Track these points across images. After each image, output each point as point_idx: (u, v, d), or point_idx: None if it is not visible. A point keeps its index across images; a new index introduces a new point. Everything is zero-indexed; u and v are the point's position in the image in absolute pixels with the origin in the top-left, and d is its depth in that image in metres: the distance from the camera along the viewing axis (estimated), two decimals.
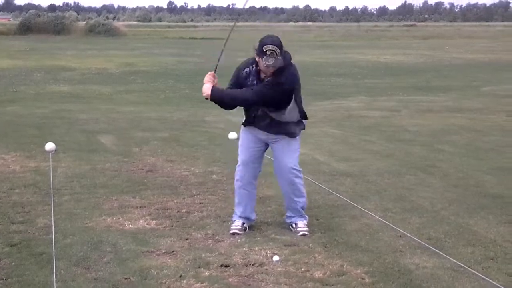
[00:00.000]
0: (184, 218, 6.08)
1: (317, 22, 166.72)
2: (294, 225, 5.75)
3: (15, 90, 18.57)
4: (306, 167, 8.25)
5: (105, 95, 17.86)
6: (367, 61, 32.35)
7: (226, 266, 4.85)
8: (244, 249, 5.23)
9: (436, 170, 8.28)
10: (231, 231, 5.62)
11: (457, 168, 8.42)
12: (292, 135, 5.75)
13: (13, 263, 4.83)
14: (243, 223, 5.72)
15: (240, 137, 5.90)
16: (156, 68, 26.87)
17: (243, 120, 5.81)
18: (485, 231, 5.78)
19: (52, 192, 6.71)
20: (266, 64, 5.29)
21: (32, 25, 63.81)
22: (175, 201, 6.67)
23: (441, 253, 5.12)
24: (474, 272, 4.72)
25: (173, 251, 5.16)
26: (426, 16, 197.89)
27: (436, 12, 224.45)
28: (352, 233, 5.71)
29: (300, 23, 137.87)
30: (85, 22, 76.60)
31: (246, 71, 5.56)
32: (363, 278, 4.67)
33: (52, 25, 63.74)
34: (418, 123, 12.44)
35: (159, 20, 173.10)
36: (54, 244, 5.11)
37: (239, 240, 5.44)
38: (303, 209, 5.82)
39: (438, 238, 5.58)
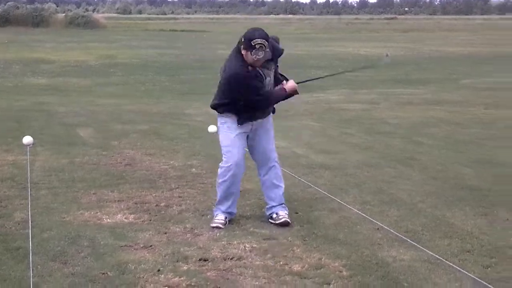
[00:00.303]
0: (163, 212, 6.06)
1: (298, 14, 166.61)
2: (275, 215, 5.75)
3: None
4: (285, 160, 8.27)
5: (84, 88, 17.74)
6: (348, 54, 32.42)
7: (205, 260, 4.85)
8: (223, 243, 5.22)
9: (415, 163, 8.32)
10: (214, 225, 5.61)
11: (436, 160, 8.47)
12: (272, 111, 5.96)
13: None
14: (226, 217, 5.71)
15: (228, 137, 5.74)
16: (136, 61, 26.72)
17: (237, 119, 5.71)
18: (462, 223, 5.82)
19: (29, 186, 6.66)
20: (257, 57, 5.37)
21: (11, 17, 63.06)
22: (154, 194, 6.65)
23: (418, 245, 5.14)
24: (451, 264, 4.76)
25: (151, 245, 5.14)
26: (406, 9, 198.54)
27: (416, 5, 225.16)
28: (330, 226, 5.72)
29: (281, 16, 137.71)
30: (64, 14, 75.89)
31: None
32: (341, 271, 4.69)
33: (31, 17, 63.05)
34: (397, 116, 12.50)
35: (139, 12, 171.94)
36: (31, 238, 5.07)
37: (217, 234, 5.43)
38: (282, 194, 5.92)
39: (416, 230, 5.61)
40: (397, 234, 5.42)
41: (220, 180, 5.75)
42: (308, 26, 76.08)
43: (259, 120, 5.79)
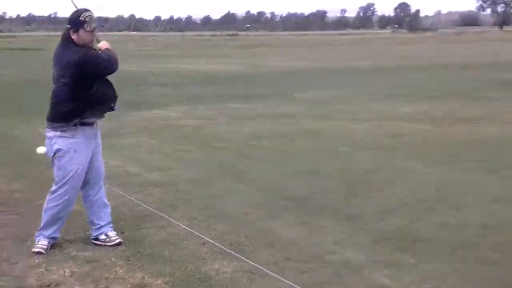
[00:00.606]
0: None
1: (142, 31, 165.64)
2: (104, 236, 5.64)
3: None
4: (116, 179, 8.20)
5: None
6: (189, 70, 32.59)
7: None
8: (41, 269, 5.05)
9: (244, 176, 8.50)
10: (36, 250, 5.39)
11: (263, 173, 8.68)
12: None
13: None
14: (49, 242, 5.50)
15: (72, 160, 5.42)
16: None
17: (79, 119, 5.40)
18: (284, 232, 6.03)
19: None
20: (91, 27, 5.28)
21: None
22: None
23: (241, 257, 5.27)
24: (269, 272, 4.91)
25: None
26: (248, 25, 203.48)
27: (258, 21, 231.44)
28: (157, 244, 5.71)
29: (124, 33, 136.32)
30: None
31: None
32: None
33: None
34: (232, 130, 12.70)
35: None
36: None
37: (36, 261, 5.25)
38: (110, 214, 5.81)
39: (240, 242, 5.74)
40: (222, 247, 5.52)
41: (51, 205, 5.47)
42: (151, 43, 75.85)
43: (98, 126, 5.65)
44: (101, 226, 5.69)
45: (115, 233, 5.73)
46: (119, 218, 6.44)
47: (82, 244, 5.69)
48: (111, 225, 5.77)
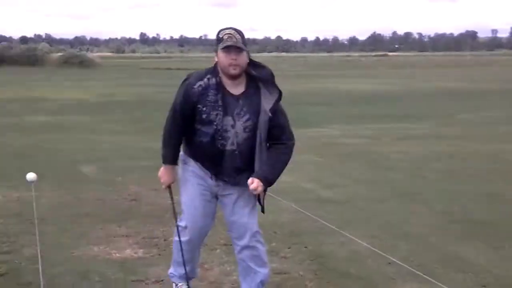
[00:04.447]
0: (171, 246, 5.99)
1: (290, 52, 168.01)
2: None
3: None
4: (292, 195, 8.28)
5: (84, 125, 17.71)
6: (343, 90, 32.60)
7: None
8: (234, 277, 5.17)
9: (420, 198, 8.31)
10: None
11: (441, 195, 8.46)
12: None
13: None
14: (187, 285, 4.72)
15: (186, 188, 4.50)
16: (136, 98, 26.81)
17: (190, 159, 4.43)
18: (474, 257, 5.79)
19: (36, 221, 6.59)
20: (225, 45, 4.03)
21: (5, 57, 63.49)
22: (162, 229, 6.60)
23: (432, 280, 5.10)
24: None
25: (162, 280, 5.09)
26: (396, 46, 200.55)
27: (405, 42, 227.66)
28: (341, 260, 5.69)
29: (274, 54, 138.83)
30: (58, 53, 76.37)
31: (201, 86, 4.14)
32: None
33: (25, 57, 63.50)
34: (398, 150, 12.51)
35: (133, 51, 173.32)
36: (42, 274, 5.00)
37: (228, 268, 5.38)
38: (262, 284, 4.47)
39: (428, 265, 5.57)
40: (410, 268, 5.38)
41: (175, 239, 4.67)
42: (301, 63, 76.69)
43: (226, 184, 4.34)
44: None
45: None
46: (301, 233, 6.51)
47: (269, 256, 5.72)
48: None
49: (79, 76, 44.92)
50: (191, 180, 4.40)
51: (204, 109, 4.12)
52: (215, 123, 4.12)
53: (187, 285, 4.67)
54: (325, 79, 44.18)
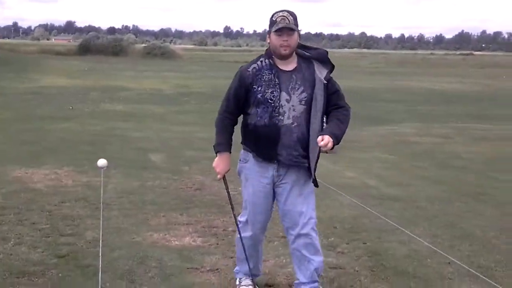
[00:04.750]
0: (230, 236, 6.06)
1: (372, 49, 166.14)
2: None
3: (71, 107, 19.00)
4: (355, 190, 8.23)
5: (159, 115, 18.10)
6: (422, 88, 32.02)
7: (270, 286, 4.82)
8: (289, 269, 5.18)
9: (488, 198, 8.09)
10: None
11: (510, 197, 8.21)
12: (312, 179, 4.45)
13: (60, 274, 4.90)
14: (252, 280, 4.74)
15: (246, 189, 4.57)
16: (210, 90, 27.13)
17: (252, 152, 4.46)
18: None
19: (101, 206, 6.79)
20: (277, 27, 4.14)
21: (91, 46, 65.47)
22: (222, 219, 6.68)
23: (491, 281, 4.97)
24: None
25: (217, 269, 5.15)
26: (483, 45, 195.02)
27: (494, 42, 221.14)
28: (399, 258, 5.60)
29: (355, 50, 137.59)
30: (142, 44, 78.10)
31: (254, 67, 4.30)
32: None
33: (110, 47, 65.26)
34: (471, 151, 12.21)
35: (215, 44, 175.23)
36: (101, 257, 5.15)
37: (283, 261, 5.39)
38: (317, 273, 4.48)
39: (489, 266, 5.43)
40: (469, 269, 5.25)
41: (237, 237, 4.75)
42: (382, 60, 75.65)
43: (287, 167, 4.37)
44: (301, 283, 4.52)
45: None
46: (360, 229, 6.45)
47: (326, 251, 5.71)
48: (315, 285, 4.49)
49: (160, 67, 45.80)
50: (251, 177, 4.47)
51: (260, 88, 4.26)
52: (271, 101, 4.24)
53: (251, 280, 4.71)
54: (405, 76, 43.45)
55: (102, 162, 7.43)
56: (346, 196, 7.73)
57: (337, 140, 4.11)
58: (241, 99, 4.35)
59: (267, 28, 4.30)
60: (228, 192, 4.68)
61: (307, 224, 4.40)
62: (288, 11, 4.21)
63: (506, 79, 42.27)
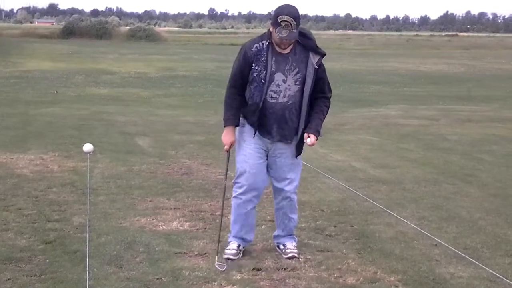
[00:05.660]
0: (218, 221, 6.04)
1: (357, 30, 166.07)
2: (282, 246, 5.21)
3: (55, 92, 18.86)
4: (342, 173, 8.24)
5: (144, 98, 18.02)
6: (407, 70, 32.07)
7: (258, 270, 4.83)
8: (277, 253, 5.19)
9: (474, 180, 8.14)
10: (225, 256, 5.06)
11: (496, 178, 8.27)
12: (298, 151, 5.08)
13: (47, 260, 4.88)
14: (239, 245, 5.18)
15: (241, 150, 5.09)
16: (196, 73, 27.03)
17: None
18: None
19: (88, 191, 6.77)
20: (279, 36, 4.66)
21: (75, 29, 64.83)
22: (209, 204, 6.67)
23: (477, 263, 5.01)
24: (511, 283, 4.61)
25: (205, 253, 5.15)
26: (468, 26, 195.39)
27: (478, 22, 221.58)
28: (386, 241, 5.63)
29: (340, 31, 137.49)
30: (127, 27, 77.52)
31: (257, 47, 4.81)
32: (397, 285, 4.60)
33: (94, 30, 64.69)
34: (457, 132, 12.27)
35: (200, 26, 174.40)
36: (88, 242, 5.14)
37: (271, 244, 5.40)
38: (294, 228, 5.32)
39: (475, 248, 5.47)
40: (456, 250, 5.29)
41: (232, 195, 5.22)
42: (367, 42, 75.63)
43: (278, 143, 5.00)
44: (279, 236, 5.28)
45: (295, 245, 5.24)
46: (347, 212, 6.48)
47: (313, 234, 5.76)
48: (292, 236, 5.28)
49: (144, 49, 45.50)
50: (247, 141, 5.01)
51: (257, 68, 4.80)
52: (266, 80, 4.80)
53: (238, 245, 5.15)
54: (390, 58, 43.50)
55: (88, 147, 7.42)
56: (333, 179, 7.74)
57: (319, 133, 4.91)
58: (245, 75, 4.85)
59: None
60: (227, 163, 5.25)
61: (292, 189, 5.12)
62: (292, 15, 4.63)
63: (491, 60, 42.43)
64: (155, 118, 13.62)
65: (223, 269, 4.79)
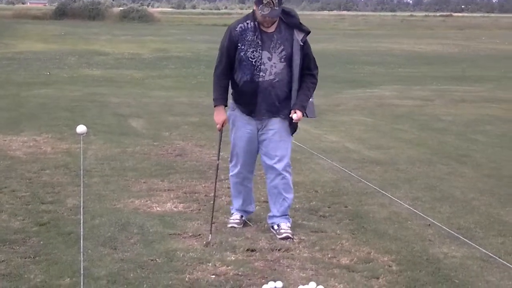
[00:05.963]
0: (212, 202, 6.03)
1: (351, 11, 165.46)
2: (276, 227, 5.22)
3: (48, 73, 18.77)
4: (336, 154, 8.25)
5: (138, 80, 17.95)
6: (402, 50, 32.00)
7: (252, 251, 4.83)
8: (271, 234, 5.20)
9: (468, 160, 8.16)
10: (230, 225, 5.36)
11: (490, 158, 8.30)
12: (291, 124, 5.19)
13: (41, 242, 4.88)
14: (241, 216, 5.47)
15: (233, 135, 5.35)
16: (189, 54, 26.91)
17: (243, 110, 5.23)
18: None
19: (82, 173, 6.75)
20: (262, 13, 4.80)
21: (68, 10, 64.27)
22: (203, 185, 6.67)
23: (470, 242, 5.04)
24: (504, 262, 4.64)
25: (199, 234, 5.15)
26: (462, 6, 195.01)
27: (473, 2, 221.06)
28: (380, 221, 5.64)
29: (335, 12, 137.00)
30: (120, 8, 77.04)
31: (241, 27, 4.98)
32: (390, 265, 4.61)
33: (87, 11, 64.17)
34: (451, 113, 12.28)
35: (193, 7, 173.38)
36: (82, 224, 5.13)
37: (265, 225, 5.40)
38: (288, 208, 5.33)
39: (468, 228, 5.50)
40: (449, 230, 5.32)
41: (229, 174, 5.52)
42: (362, 23, 75.33)
43: (268, 118, 5.15)
44: (274, 216, 5.30)
45: (289, 225, 5.25)
46: (341, 193, 6.48)
47: (307, 214, 5.77)
48: (286, 216, 5.29)
49: (137, 30, 45.21)
50: (238, 123, 5.21)
51: (243, 47, 4.94)
52: (252, 59, 4.93)
53: (241, 216, 5.45)
54: (384, 38, 43.34)
55: (81, 128, 7.38)
56: (327, 160, 7.75)
57: (304, 109, 5.05)
58: (231, 55, 4.99)
59: None
60: (220, 141, 5.42)
61: (285, 166, 5.18)
62: None
63: (486, 41, 42.36)
64: (149, 99, 13.58)
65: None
